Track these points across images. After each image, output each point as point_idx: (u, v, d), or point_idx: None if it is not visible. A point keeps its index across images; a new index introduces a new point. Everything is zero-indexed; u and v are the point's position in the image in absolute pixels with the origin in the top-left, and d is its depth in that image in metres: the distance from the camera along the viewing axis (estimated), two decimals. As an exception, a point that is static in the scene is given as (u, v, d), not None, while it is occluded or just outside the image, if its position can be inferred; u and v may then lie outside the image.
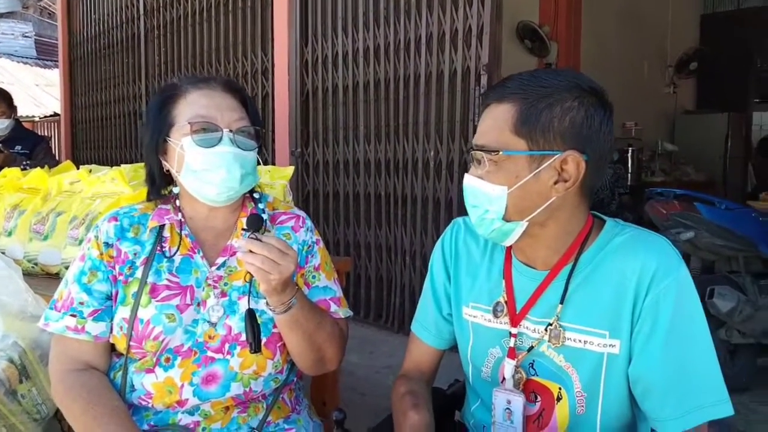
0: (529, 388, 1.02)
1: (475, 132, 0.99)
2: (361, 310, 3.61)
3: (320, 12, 3.67)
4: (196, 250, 1.15)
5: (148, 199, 1.20)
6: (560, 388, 0.99)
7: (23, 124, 4.14)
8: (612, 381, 0.95)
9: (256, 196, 1.22)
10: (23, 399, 1.41)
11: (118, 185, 1.90)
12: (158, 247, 1.14)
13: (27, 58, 13.12)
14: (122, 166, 2.11)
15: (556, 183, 0.92)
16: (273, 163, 3.90)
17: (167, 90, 1.17)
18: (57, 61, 7.79)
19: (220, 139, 1.10)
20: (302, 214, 1.26)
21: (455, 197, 3.11)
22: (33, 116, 9.66)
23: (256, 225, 1.03)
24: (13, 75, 11.82)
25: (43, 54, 13.07)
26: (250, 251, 0.99)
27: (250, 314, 1.05)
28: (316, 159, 3.79)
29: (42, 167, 2.36)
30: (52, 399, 1.51)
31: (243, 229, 1.05)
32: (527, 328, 1.01)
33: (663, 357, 0.90)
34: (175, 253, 1.14)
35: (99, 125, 6.10)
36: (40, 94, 11.27)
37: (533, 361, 1.01)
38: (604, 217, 1.02)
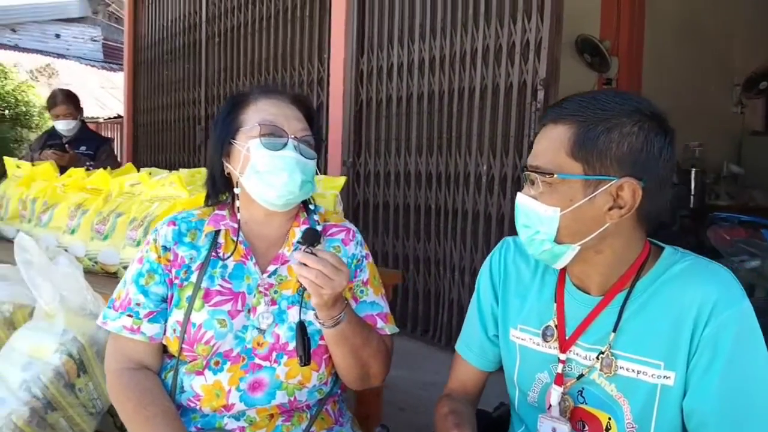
0: (577, 417, 0.99)
1: (530, 148, 0.98)
2: (407, 323, 3.58)
3: (377, 23, 3.70)
4: (249, 257, 1.17)
5: (206, 204, 1.23)
6: (609, 418, 0.96)
7: (88, 125, 4.30)
8: (665, 413, 0.91)
9: (311, 207, 1.23)
10: (80, 393, 1.45)
11: (176, 189, 1.95)
12: (213, 253, 1.16)
13: (94, 61, 13.75)
14: (180, 170, 2.17)
15: (611, 209, 0.90)
16: (325, 173, 3.94)
17: (238, 96, 1.21)
18: (122, 64, 8.10)
19: (285, 144, 1.13)
20: (352, 227, 1.27)
21: (507, 213, 3.06)
22: (97, 118, 10.01)
23: (311, 239, 1.04)
24: (80, 77, 12.38)
25: (110, 57, 13.66)
26: (305, 265, 1.00)
27: (301, 327, 1.06)
28: (367, 169, 3.80)
29: (104, 168, 2.45)
30: (107, 394, 1.56)
31: (298, 242, 1.06)
32: (577, 354, 0.98)
33: (719, 392, 0.86)
34: (228, 257, 1.15)
35: (159, 128, 6.28)
36: (104, 96, 11.76)
37: (582, 388, 0.98)
38: (663, 245, 0.99)
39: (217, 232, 1.18)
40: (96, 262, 1.93)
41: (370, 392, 2.03)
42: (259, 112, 1.15)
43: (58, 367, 1.42)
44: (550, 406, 0.99)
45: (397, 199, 3.63)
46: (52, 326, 1.50)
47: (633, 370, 0.92)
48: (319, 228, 1.19)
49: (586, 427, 0.98)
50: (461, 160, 3.28)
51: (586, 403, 0.98)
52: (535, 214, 0.93)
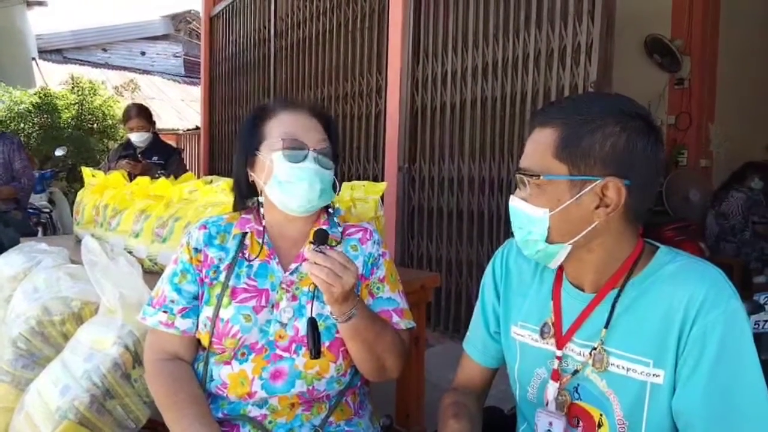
0: (573, 412, 1.00)
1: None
2: (461, 328, 3.60)
3: (432, 32, 3.75)
4: (272, 257, 1.25)
5: (234, 210, 1.33)
6: (601, 414, 0.97)
7: (168, 135, 4.53)
8: (656, 411, 0.92)
9: (330, 210, 1.31)
10: (135, 383, 1.57)
11: (227, 195, 2.07)
12: (240, 253, 1.25)
13: (176, 75, 14.58)
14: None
15: (597, 208, 0.92)
16: (382, 179, 4.02)
17: (260, 110, 1.30)
18: (200, 78, 8.51)
19: (306, 156, 1.21)
20: (370, 227, 1.33)
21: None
22: (177, 129, 10.40)
23: (321, 239, 1.10)
24: (163, 91, 13.13)
25: (190, 72, 14.42)
26: (315, 263, 1.06)
27: (312, 322, 1.12)
28: (422, 175, 3.85)
29: (176, 176, 2.62)
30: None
31: (310, 242, 1.13)
32: (572, 350, 1.00)
33: (706, 392, 0.86)
34: (254, 259, 1.24)
35: (233, 138, 6.55)
36: (184, 108, 12.38)
37: (578, 384, 1.00)
38: (657, 244, 1.00)
39: (244, 235, 1.27)
40: (155, 263, 2.09)
41: (410, 392, 2.07)
42: (280, 125, 1.23)
43: (116, 358, 1.54)
44: (548, 401, 1.02)
45: (451, 205, 3.67)
46: (112, 321, 1.64)
47: (623, 367, 0.94)
48: (339, 229, 1.27)
49: (581, 423, 1.00)
50: (513, 166, 3.27)
51: (581, 399, 1.00)
52: (526, 215, 0.97)
